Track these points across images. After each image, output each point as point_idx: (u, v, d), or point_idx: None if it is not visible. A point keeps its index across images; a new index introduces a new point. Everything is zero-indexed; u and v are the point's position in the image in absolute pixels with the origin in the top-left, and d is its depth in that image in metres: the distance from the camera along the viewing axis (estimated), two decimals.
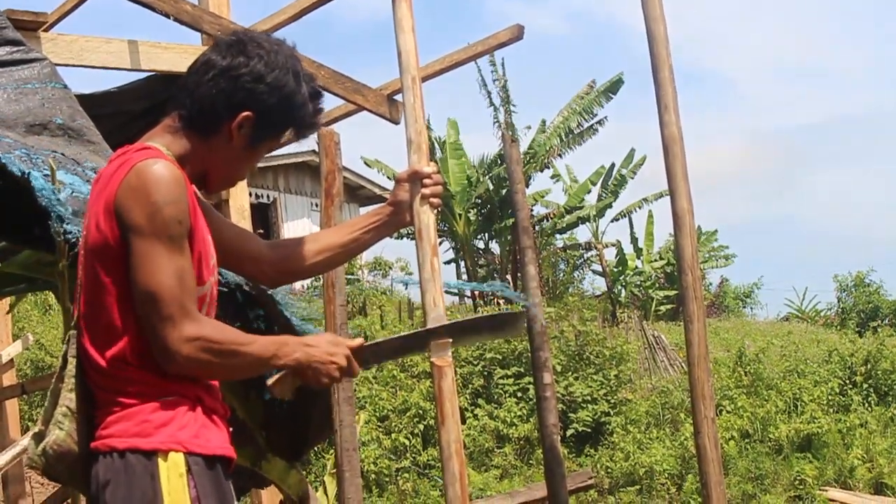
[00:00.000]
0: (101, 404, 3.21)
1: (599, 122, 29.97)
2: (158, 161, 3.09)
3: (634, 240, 33.64)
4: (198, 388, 3.23)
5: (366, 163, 31.17)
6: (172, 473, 3.10)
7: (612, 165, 31.62)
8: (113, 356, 3.16)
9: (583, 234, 34.13)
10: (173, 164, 3.14)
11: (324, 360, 3.27)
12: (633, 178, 31.68)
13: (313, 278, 27.16)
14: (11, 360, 11.91)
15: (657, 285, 33.71)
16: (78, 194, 4.62)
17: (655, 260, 33.76)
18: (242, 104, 3.25)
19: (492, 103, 29.54)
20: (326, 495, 11.26)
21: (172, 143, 3.25)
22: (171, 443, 3.12)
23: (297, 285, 28.01)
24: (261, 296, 5.64)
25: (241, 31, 3.52)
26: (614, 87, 29.68)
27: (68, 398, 3.20)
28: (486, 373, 20.36)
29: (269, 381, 3.31)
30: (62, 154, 5.22)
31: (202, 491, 3.15)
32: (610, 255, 33.59)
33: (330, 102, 10.29)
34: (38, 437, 3.24)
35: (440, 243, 30.94)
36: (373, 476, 17.51)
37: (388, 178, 31.24)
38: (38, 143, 5.14)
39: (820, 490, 17.55)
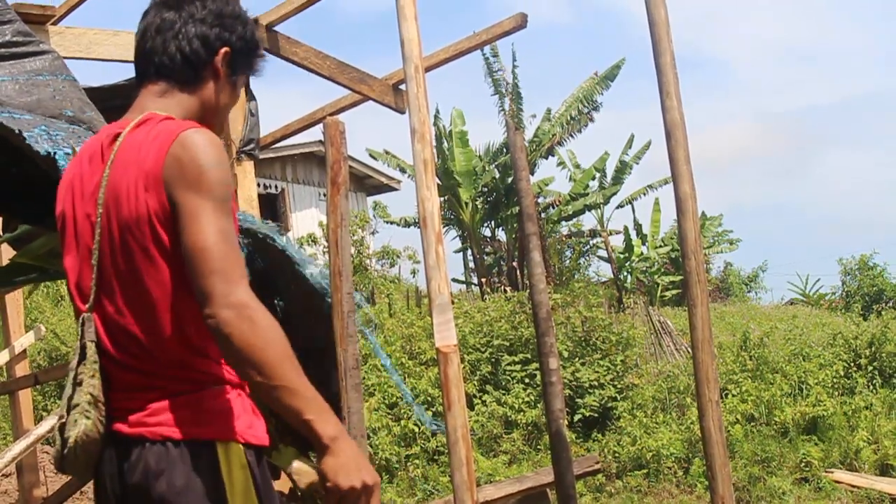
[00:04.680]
0: (134, 388, 3.12)
1: (601, 109, 30.03)
2: (200, 131, 3.10)
3: (638, 226, 33.66)
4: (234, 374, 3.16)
5: (371, 154, 31.24)
6: (235, 464, 3.06)
7: (615, 152, 31.70)
8: (163, 336, 3.07)
9: (588, 221, 34.20)
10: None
11: (352, 466, 2.99)
12: (637, 164, 31.71)
13: (323, 265, 27.11)
14: (24, 350, 11.99)
15: (663, 271, 33.74)
16: None
17: (661, 246, 33.78)
18: (218, 39, 3.33)
19: (497, 92, 29.58)
20: None
21: (170, 107, 3.28)
22: (230, 433, 3.08)
23: None
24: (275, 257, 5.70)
25: None
26: (613, 73, 29.72)
27: (91, 385, 3.08)
28: (493, 359, 20.41)
29: (295, 465, 3.18)
30: (81, 124, 5.30)
31: (262, 482, 3.15)
32: (616, 241, 33.63)
33: (336, 92, 10.36)
34: (61, 427, 3.12)
35: (446, 231, 31.01)
36: (382, 462, 17.58)
37: (394, 168, 31.30)
38: (56, 125, 5.20)
39: (826, 472, 17.57)
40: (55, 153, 4.59)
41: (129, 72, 9.16)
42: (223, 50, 3.33)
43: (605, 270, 34.31)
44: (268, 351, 2.87)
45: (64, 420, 3.09)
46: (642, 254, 33.52)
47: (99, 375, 3.11)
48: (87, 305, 3.17)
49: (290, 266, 5.81)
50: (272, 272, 6.06)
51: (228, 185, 3.05)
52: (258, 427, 3.21)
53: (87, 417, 3.05)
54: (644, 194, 32.63)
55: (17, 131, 4.73)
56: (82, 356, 3.13)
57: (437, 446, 17.85)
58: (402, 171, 31.07)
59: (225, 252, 2.94)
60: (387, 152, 31.23)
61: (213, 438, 3.05)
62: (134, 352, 3.11)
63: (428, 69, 7.74)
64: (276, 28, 9.15)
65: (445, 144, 29.28)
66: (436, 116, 29.64)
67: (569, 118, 29.73)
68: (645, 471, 18.20)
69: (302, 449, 6.48)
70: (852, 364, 20.87)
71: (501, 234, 31.93)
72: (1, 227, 9.40)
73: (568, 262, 33.65)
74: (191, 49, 3.30)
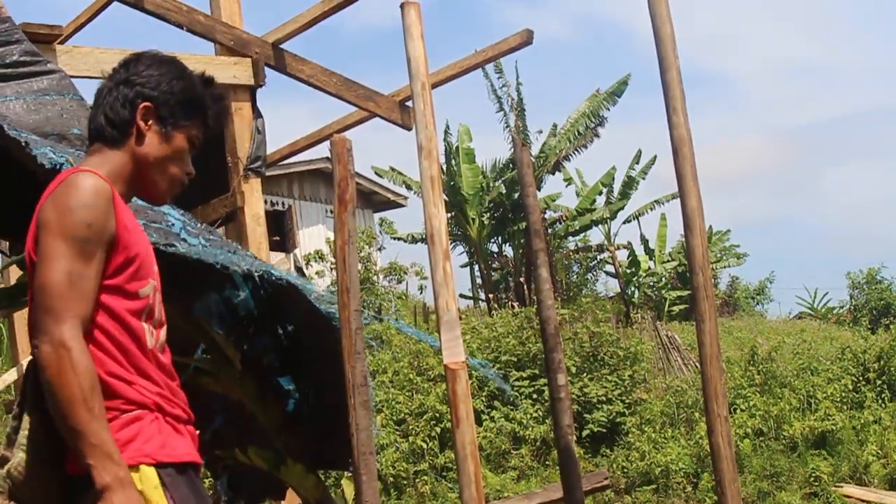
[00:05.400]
0: None
1: (607, 124, 30.08)
2: (87, 174, 3.23)
3: (645, 241, 33.66)
4: (156, 396, 3.26)
5: (377, 172, 31.30)
6: (147, 486, 3.14)
7: (622, 167, 31.72)
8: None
9: (595, 236, 34.20)
10: (104, 179, 3.26)
11: None
12: (643, 180, 31.74)
13: (330, 282, 27.29)
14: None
15: (670, 286, 33.72)
16: None
17: (668, 261, 33.78)
18: (138, 96, 3.45)
19: (501, 108, 29.61)
20: (344, 499, 11.34)
21: (101, 164, 3.39)
22: (140, 457, 3.16)
23: None
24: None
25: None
26: (620, 89, 29.76)
27: (28, 421, 3.21)
28: (501, 375, 20.39)
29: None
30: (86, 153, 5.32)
31: (179, 498, 3.21)
32: (623, 256, 33.64)
33: (343, 109, 10.38)
34: (2, 461, 3.24)
35: (454, 247, 30.98)
36: (391, 479, 17.56)
37: (400, 185, 31.33)
38: (63, 148, 5.22)
39: (835, 487, 17.55)
40: (60, 165, 4.61)
41: None
42: (142, 105, 3.46)
43: (613, 285, 34.32)
44: (66, 390, 3.00)
45: (4, 455, 3.23)
46: (649, 269, 33.52)
47: (38, 413, 3.20)
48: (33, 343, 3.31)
49: (297, 294, 5.84)
50: (280, 297, 6.07)
51: (93, 228, 3.14)
52: (177, 445, 3.29)
53: (24, 451, 3.18)
54: (651, 209, 32.65)
55: (23, 143, 4.75)
56: (23, 393, 3.28)
57: (445, 462, 17.84)
58: (409, 187, 31.10)
59: (62, 292, 3.07)
60: (392, 169, 31.27)
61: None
62: None
63: (434, 86, 7.76)
64: (283, 46, 9.17)
65: (452, 160, 29.31)
66: (445, 132, 29.68)
67: (575, 133, 29.75)
68: (654, 486, 18.19)
69: (310, 467, 6.48)
70: (861, 378, 20.83)
71: (508, 250, 31.96)
72: (9, 249, 9.42)
73: (575, 277, 33.66)
74: (112, 110, 3.46)
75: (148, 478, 3.15)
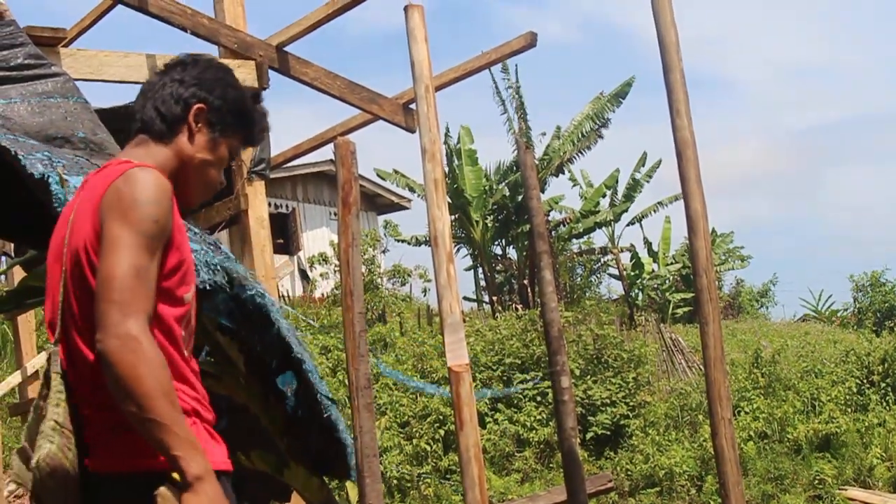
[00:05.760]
0: (95, 424, 3.17)
1: (611, 126, 30.09)
2: (149, 170, 3.19)
3: (648, 244, 33.67)
4: (194, 402, 3.22)
5: (379, 174, 31.30)
6: (169, 495, 3.03)
7: (627, 170, 31.74)
8: None
9: (599, 238, 34.23)
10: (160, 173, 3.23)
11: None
12: (648, 182, 31.75)
13: (334, 285, 27.33)
14: (37, 371, 12.01)
15: (674, 288, 33.72)
16: None
17: (672, 263, 33.78)
18: (193, 97, 3.45)
19: (506, 110, 29.63)
20: (348, 501, 11.32)
21: (146, 157, 3.36)
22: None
23: (317, 293, 28.13)
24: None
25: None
26: (624, 91, 29.78)
27: (55, 412, 3.13)
28: (505, 378, 20.40)
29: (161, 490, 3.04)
30: (86, 160, 5.31)
31: None
32: (627, 258, 33.63)
33: (347, 112, 10.39)
34: (23, 455, 3.20)
35: (457, 250, 30.96)
36: (394, 482, 17.57)
37: (403, 188, 31.32)
38: (61, 153, 5.22)
39: (839, 489, 17.54)
40: (48, 176, 4.61)
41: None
42: (196, 106, 3.45)
43: (617, 288, 34.32)
44: (144, 384, 2.91)
45: (24, 447, 3.18)
46: (653, 271, 33.52)
47: (65, 405, 3.15)
48: (54, 339, 3.24)
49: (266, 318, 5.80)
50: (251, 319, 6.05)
51: (159, 224, 3.10)
52: (215, 452, 3.24)
53: (51, 442, 3.09)
54: (654, 211, 32.64)
55: (13, 152, 4.75)
56: (45, 386, 3.20)
57: (449, 465, 17.84)
58: (412, 190, 31.10)
59: (130, 284, 2.99)
60: (396, 171, 31.27)
61: (167, 470, 3.04)
62: (86, 384, 3.17)
63: (438, 88, 7.76)
64: (287, 49, 9.18)
65: (455, 162, 29.32)
66: (445, 135, 29.68)
67: (579, 136, 29.77)
68: (658, 489, 18.19)
69: (313, 469, 6.48)
70: (865, 381, 20.82)
71: (512, 252, 31.96)
72: (13, 251, 9.44)
73: (579, 279, 33.67)
74: (164, 105, 3.44)
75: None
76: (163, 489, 3.00)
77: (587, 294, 32.49)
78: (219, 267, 5.11)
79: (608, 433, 19.67)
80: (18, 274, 9.58)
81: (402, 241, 32.02)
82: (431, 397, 19.01)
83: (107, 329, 2.94)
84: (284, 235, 29.21)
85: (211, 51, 9.06)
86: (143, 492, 3.02)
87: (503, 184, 30.32)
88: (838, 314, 38.47)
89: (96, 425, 3.16)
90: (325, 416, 5.89)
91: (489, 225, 30.55)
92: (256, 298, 5.52)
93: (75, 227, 3.20)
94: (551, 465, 18.65)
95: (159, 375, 2.95)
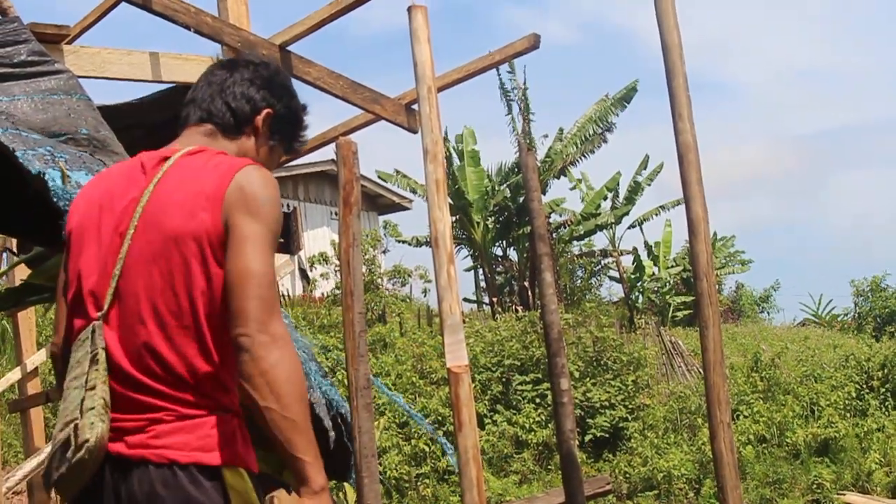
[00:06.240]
0: (137, 407, 3.05)
1: (615, 130, 30.10)
2: (261, 168, 3.25)
3: (648, 247, 33.68)
4: (238, 405, 3.16)
5: (381, 176, 31.32)
6: (241, 491, 3.06)
7: (628, 173, 31.76)
8: (187, 355, 3.07)
9: (600, 241, 34.22)
10: None
11: None
12: (649, 186, 31.76)
13: (335, 285, 27.32)
14: (36, 368, 12.01)
15: (674, 291, 33.73)
16: None
17: (672, 266, 33.79)
18: (263, 100, 3.49)
19: (510, 112, 29.64)
20: (346, 501, 11.33)
21: (213, 147, 3.38)
22: (238, 459, 3.08)
23: (317, 293, 28.13)
24: None
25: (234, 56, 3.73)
26: (629, 95, 29.79)
27: (104, 390, 3.04)
28: (504, 379, 20.42)
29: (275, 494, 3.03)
30: (90, 155, 5.32)
31: None
32: (627, 261, 33.65)
33: (349, 112, 10.38)
34: (74, 431, 3.02)
35: (458, 251, 30.93)
36: (393, 482, 17.58)
37: (405, 188, 31.30)
38: (64, 148, 5.22)
39: (838, 494, 17.55)
40: (44, 173, 4.61)
41: (142, 91, 9.20)
42: (266, 110, 3.49)
43: (617, 290, 34.32)
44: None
45: (77, 423, 3.02)
46: (654, 274, 33.53)
47: (108, 385, 3.08)
48: (99, 314, 3.15)
49: None
50: None
51: (280, 225, 3.17)
52: (254, 455, 3.21)
53: (103, 421, 3.01)
54: (656, 215, 32.64)
55: (11, 149, 4.75)
56: (93, 361, 3.09)
57: (447, 466, 17.85)
58: (413, 191, 31.11)
59: (270, 282, 3.02)
60: (398, 172, 31.28)
61: (222, 464, 3.04)
62: (150, 368, 3.07)
63: (440, 89, 7.76)
64: (290, 48, 9.18)
65: (457, 164, 29.33)
66: (446, 137, 29.67)
67: (582, 138, 29.78)
68: (656, 492, 18.21)
69: None
70: (864, 386, 20.85)
71: (513, 254, 31.96)
72: (17, 248, 9.44)
73: (579, 281, 33.67)
74: (236, 103, 3.46)
75: (244, 481, 3.10)
76: (281, 493, 3.02)
77: (587, 296, 32.48)
78: None
79: (607, 436, 19.69)
80: (20, 272, 9.57)
81: (403, 241, 32.03)
82: (430, 398, 19.03)
83: (253, 325, 2.94)
84: (285, 235, 29.06)
85: (214, 49, 9.08)
86: (199, 485, 3.00)
87: (505, 185, 30.33)
88: (838, 319, 38.50)
89: (134, 410, 3.06)
90: (336, 413, 5.87)
91: (490, 226, 30.56)
92: None
93: (169, 208, 3.14)
94: (549, 467, 18.68)
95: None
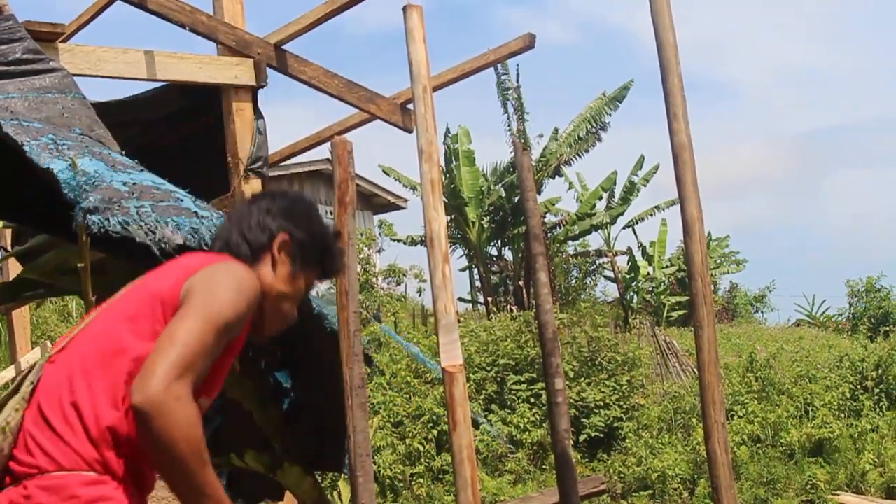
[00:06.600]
0: (33, 448, 3.12)
1: (609, 129, 30.10)
2: (242, 265, 3.37)
3: (642, 247, 33.70)
4: (130, 473, 3.14)
5: (384, 171, 31.24)
6: None
7: (624, 172, 31.76)
8: (103, 414, 3.10)
9: (595, 240, 34.23)
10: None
11: None
12: (645, 186, 31.77)
13: (329, 283, 27.18)
14: (31, 366, 11.99)
15: (669, 291, 33.75)
16: (100, 183, 4.66)
17: (667, 266, 33.81)
18: (279, 228, 3.54)
19: (506, 111, 29.63)
20: (340, 500, 11.33)
21: None
22: None
23: (312, 293, 28.09)
24: None
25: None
26: (621, 94, 29.80)
27: (13, 416, 3.16)
28: (499, 379, 20.41)
29: None
30: (88, 136, 5.32)
31: None
32: (622, 261, 33.67)
33: (344, 111, 10.38)
34: None
35: (453, 250, 30.89)
36: (387, 481, 17.57)
37: (406, 185, 31.23)
38: (66, 135, 5.23)
39: (832, 494, 17.58)
40: (53, 167, 4.61)
41: (137, 89, 9.20)
42: (281, 236, 3.54)
43: (612, 290, 34.34)
44: (183, 444, 2.92)
45: None
46: (648, 274, 33.55)
47: (21, 414, 3.17)
48: (48, 356, 3.31)
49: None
50: None
51: (237, 319, 3.20)
52: None
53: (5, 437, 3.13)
54: (651, 215, 32.66)
55: (20, 143, 4.75)
56: (15, 391, 3.24)
57: (441, 465, 17.84)
58: (414, 189, 31.08)
59: (193, 358, 3.02)
60: (393, 170, 31.25)
61: None
62: (68, 420, 3.11)
63: (435, 89, 7.77)
64: (285, 47, 9.17)
65: (452, 163, 29.31)
66: (446, 134, 29.66)
67: (576, 138, 29.79)
68: (650, 491, 18.21)
69: (306, 468, 6.48)
70: (859, 386, 20.87)
71: (508, 254, 31.95)
72: (10, 242, 9.42)
73: (574, 281, 33.67)
74: (251, 233, 3.54)
75: None
76: None
77: (582, 296, 32.48)
78: None
79: (601, 435, 19.69)
80: (14, 268, 9.55)
81: (398, 240, 32.03)
82: (425, 397, 19.02)
83: (155, 379, 2.94)
84: None
85: (209, 48, 9.07)
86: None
87: (500, 185, 30.32)
88: (833, 319, 38.55)
89: (32, 450, 3.12)
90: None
91: (485, 226, 30.55)
92: None
93: (148, 282, 3.34)
94: (544, 467, 18.66)
95: (196, 437, 2.97)
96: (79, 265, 4.57)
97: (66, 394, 3.13)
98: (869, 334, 30.93)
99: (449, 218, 28.28)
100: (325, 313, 5.88)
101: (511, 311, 25.86)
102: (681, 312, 33.10)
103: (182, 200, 4.99)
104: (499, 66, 27.98)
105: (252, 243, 3.50)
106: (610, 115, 29.89)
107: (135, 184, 4.85)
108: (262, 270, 3.48)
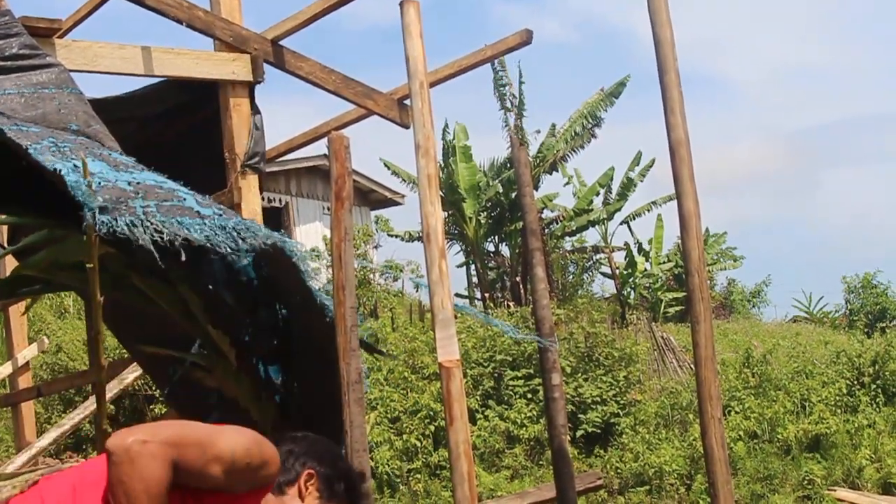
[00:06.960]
0: None
1: (604, 125, 30.09)
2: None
3: (638, 243, 33.70)
4: None
5: (386, 164, 31.16)
6: None
7: (621, 168, 31.74)
8: None
9: (592, 236, 34.20)
10: None
11: None
12: (642, 181, 31.75)
13: (326, 280, 27.17)
14: (27, 362, 12.00)
15: (666, 287, 33.74)
16: (106, 182, 4.66)
17: (664, 262, 33.79)
18: (304, 465, 3.60)
19: (503, 107, 29.58)
20: None
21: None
22: None
23: None
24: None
25: None
26: (618, 90, 29.79)
27: None
28: (496, 374, 20.41)
29: None
30: (85, 135, 5.31)
31: None
32: (619, 257, 33.65)
33: (341, 107, 10.38)
34: None
35: (450, 246, 30.80)
36: (384, 477, 17.57)
37: (405, 179, 31.17)
38: (64, 137, 5.22)
39: (828, 490, 17.58)
40: (60, 168, 4.59)
41: (134, 85, 9.19)
42: (307, 471, 3.60)
43: (609, 286, 34.30)
44: (143, 497, 2.86)
45: None
46: (645, 270, 33.53)
47: None
48: None
49: (297, 276, 5.81)
50: (278, 280, 6.07)
51: (247, 461, 3.16)
52: None
53: None
54: (648, 210, 32.63)
55: (24, 147, 4.74)
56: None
57: (438, 461, 17.85)
58: (413, 183, 30.99)
59: (180, 434, 3.00)
60: (393, 165, 31.20)
61: None
62: None
63: (432, 84, 7.76)
64: (282, 42, 9.17)
65: (449, 158, 29.28)
66: (445, 129, 29.63)
67: (573, 134, 29.76)
68: (647, 487, 18.21)
69: None
70: (855, 382, 20.87)
71: (505, 249, 31.90)
72: (6, 238, 9.41)
73: (571, 277, 33.65)
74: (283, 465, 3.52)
75: None
76: None
77: (579, 292, 32.49)
78: (234, 230, 5.07)
79: (598, 431, 19.69)
80: (10, 263, 9.55)
81: (395, 236, 31.99)
82: (422, 393, 19.01)
83: (125, 433, 2.92)
84: (277, 229, 29.04)
85: (206, 44, 9.07)
86: None
87: (497, 180, 30.27)
88: (830, 315, 38.56)
89: None
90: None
91: (482, 221, 30.51)
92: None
93: None
94: (541, 462, 18.66)
95: (153, 482, 2.91)
96: (88, 266, 4.54)
97: None
98: (865, 330, 30.94)
99: (446, 214, 28.28)
100: (326, 304, 5.89)
101: (508, 306, 25.86)
102: (678, 308, 33.08)
103: (185, 200, 4.98)
104: (496, 62, 27.96)
105: (280, 479, 3.50)
106: (605, 110, 29.86)
107: (139, 183, 4.84)
108: (289, 501, 3.56)
